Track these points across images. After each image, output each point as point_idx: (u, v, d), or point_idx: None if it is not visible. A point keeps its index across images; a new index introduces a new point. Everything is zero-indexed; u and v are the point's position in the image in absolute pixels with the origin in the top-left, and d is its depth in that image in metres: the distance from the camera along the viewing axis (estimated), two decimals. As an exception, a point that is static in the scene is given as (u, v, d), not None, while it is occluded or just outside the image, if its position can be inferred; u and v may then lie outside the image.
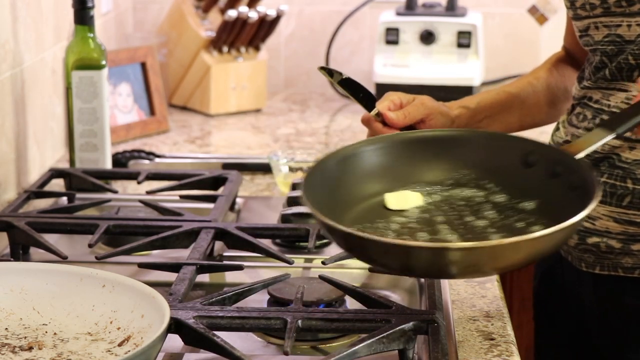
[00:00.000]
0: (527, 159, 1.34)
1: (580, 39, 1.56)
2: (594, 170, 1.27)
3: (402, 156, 1.39)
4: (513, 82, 1.72)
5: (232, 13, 2.42)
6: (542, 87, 1.69)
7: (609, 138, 1.34)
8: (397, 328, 1.19)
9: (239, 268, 1.45)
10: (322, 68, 1.56)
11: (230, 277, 1.52)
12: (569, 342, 1.65)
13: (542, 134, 2.35)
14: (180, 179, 1.81)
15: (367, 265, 1.45)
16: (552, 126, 1.67)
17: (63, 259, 1.46)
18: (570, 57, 1.72)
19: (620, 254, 1.50)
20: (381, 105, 1.52)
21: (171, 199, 1.80)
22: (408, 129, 1.52)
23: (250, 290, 1.33)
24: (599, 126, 1.37)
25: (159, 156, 2.11)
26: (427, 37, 2.55)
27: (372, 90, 2.63)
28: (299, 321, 1.22)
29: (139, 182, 1.81)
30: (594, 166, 1.51)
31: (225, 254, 1.59)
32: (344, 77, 1.53)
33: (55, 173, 1.84)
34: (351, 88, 1.54)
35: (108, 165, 1.93)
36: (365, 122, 1.53)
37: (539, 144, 1.36)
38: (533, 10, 2.68)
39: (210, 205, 1.70)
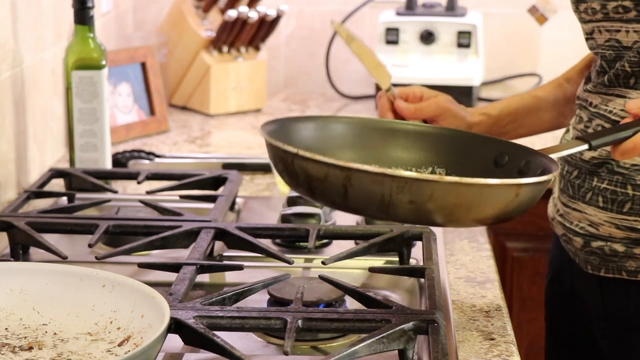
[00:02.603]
0: (498, 159, 1.34)
1: (586, 42, 1.56)
2: (556, 163, 1.27)
3: (370, 138, 1.40)
4: (542, 86, 1.73)
5: (232, 13, 2.42)
6: (571, 89, 1.69)
7: (583, 147, 1.33)
8: (397, 328, 1.19)
9: (239, 268, 1.45)
10: (336, 24, 1.55)
11: (230, 277, 1.52)
12: (577, 344, 1.65)
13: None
14: (180, 179, 1.81)
15: (367, 265, 1.45)
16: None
17: (63, 259, 1.46)
18: None
19: (624, 257, 1.50)
20: (399, 91, 1.53)
21: (171, 199, 1.80)
22: None
23: (250, 290, 1.33)
24: (577, 138, 1.37)
25: (159, 156, 2.11)
26: (427, 37, 2.56)
27: (372, 90, 2.63)
28: (299, 321, 1.22)
29: (139, 182, 1.81)
30: (593, 172, 1.50)
31: (225, 254, 1.59)
32: (361, 44, 1.53)
33: (55, 173, 1.84)
34: (366, 57, 1.54)
35: (108, 165, 1.94)
36: (378, 97, 1.55)
37: (513, 145, 1.36)
38: (533, 10, 2.68)
39: (210, 205, 1.70)
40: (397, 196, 1.15)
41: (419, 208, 1.16)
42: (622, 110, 1.48)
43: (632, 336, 1.54)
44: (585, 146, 1.33)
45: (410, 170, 1.38)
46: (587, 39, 1.55)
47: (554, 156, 1.31)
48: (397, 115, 1.57)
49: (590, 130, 1.52)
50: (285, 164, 1.22)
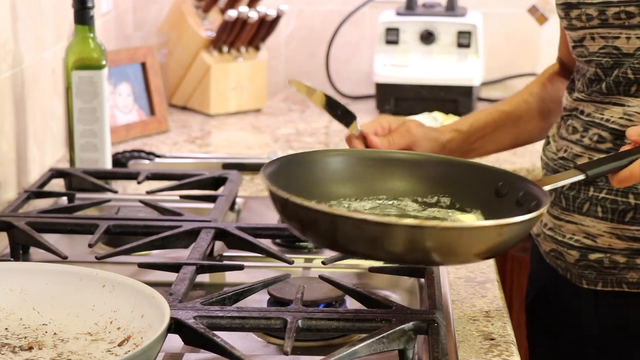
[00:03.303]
0: (499, 190, 1.35)
1: (573, 50, 1.53)
2: (548, 197, 1.28)
3: (371, 169, 1.42)
4: (507, 100, 1.71)
5: (232, 13, 2.42)
6: (536, 103, 1.68)
7: (579, 178, 1.33)
8: (397, 328, 1.19)
9: (239, 268, 1.45)
10: (294, 81, 1.56)
11: (230, 277, 1.52)
12: None
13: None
14: (180, 179, 1.81)
15: (367, 265, 1.45)
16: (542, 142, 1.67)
17: (63, 259, 1.46)
18: (565, 69, 1.69)
19: (625, 269, 1.48)
20: (368, 128, 1.52)
21: (171, 199, 1.80)
22: None
23: (250, 290, 1.33)
24: (574, 167, 1.37)
25: (159, 156, 2.11)
26: (427, 37, 2.55)
27: (372, 90, 2.63)
28: (299, 321, 1.22)
29: (139, 182, 1.81)
30: (589, 182, 1.48)
31: (225, 254, 1.59)
32: (322, 94, 1.54)
33: (55, 173, 1.84)
34: (330, 105, 1.54)
35: (108, 165, 1.93)
36: (348, 141, 1.53)
37: (510, 175, 1.37)
38: (533, 10, 2.68)
39: (210, 205, 1.70)
40: (382, 240, 1.18)
41: (405, 251, 1.19)
42: (620, 118, 1.45)
43: (630, 347, 1.51)
44: (582, 176, 1.33)
45: (417, 200, 1.39)
46: (574, 47, 1.51)
47: (549, 187, 1.30)
48: None
49: (586, 140, 1.49)
50: (281, 206, 1.25)
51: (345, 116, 1.53)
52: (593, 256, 1.50)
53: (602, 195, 1.47)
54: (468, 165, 1.42)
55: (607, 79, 1.47)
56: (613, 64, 1.46)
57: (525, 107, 1.68)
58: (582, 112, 1.51)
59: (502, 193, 1.34)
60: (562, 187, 1.52)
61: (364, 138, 1.52)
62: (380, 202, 1.40)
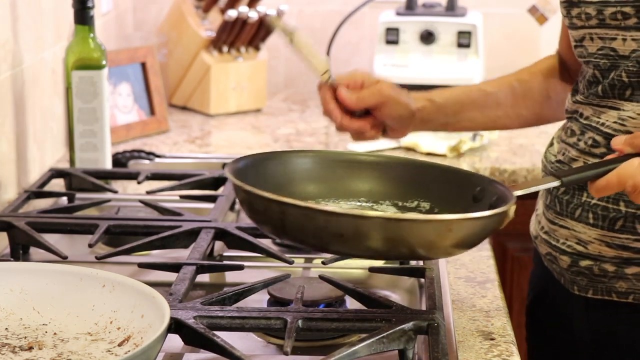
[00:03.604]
0: (476, 195, 1.34)
1: (574, 49, 1.51)
2: (512, 199, 1.27)
3: (348, 171, 1.42)
4: (492, 80, 1.67)
5: (232, 13, 2.42)
6: (521, 91, 1.64)
7: (554, 184, 1.32)
8: (397, 328, 1.19)
9: (239, 268, 1.45)
10: (276, 20, 1.54)
11: (230, 277, 1.52)
12: None
13: (542, 134, 2.35)
14: (180, 179, 1.81)
15: (367, 265, 1.45)
16: (546, 142, 1.65)
17: (63, 259, 1.46)
18: (562, 65, 1.66)
19: (614, 278, 1.45)
20: (340, 80, 1.50)
21: (171, 199, 1.80)
22: (363, 114, 1.53)
23: (250, 290, 1.33)
24: (552, 174, 1.36)
25: (159, 156, 2.11)
26: (427, 37, 2.55)
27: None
28: (299, 321, 1.22)
29: (139, 182, 1.81)
30: (583, 187, 1.45)
31: (225, 254, 1.59)
32: (297, 36, 1.52)
33: (55, 173, 1.84)
34: (306, 48, 1.53)
35: (108, 165, 1.93)
36: (319, 88, 1.51)
37: (485, 179, 1.36)
38: (533, 10, 2.68)
39: (210, 205, 1.70)
40: (327, 230, 1.18)
41: (350, 241, 1.19)
42: (614, 122, 1.42)
43: (621, 356, 1.49)
44: (557, 182, 1.31)
45: (397, 204, 1.40)
46: (575, 47, 1.49)
47: (521, 192, 1.28)
48: (340, 105, 1.53)
49: (582, 144, 1.47)
50: (239, 196, 1.27)
51: (317, 59, 1.52)
52: (583, 263, 1.47)
53: (594, 201, 1.45)
54: (447, 170, 1.41)
55: (604, 81, 1.44)
56: (610, 66, 1.43)
57: (510, 92, 1.64)
58: (581, 115, 1.49)
59: (478, 198, 1.34)
60: (557, 190, 1.50)
61: (334, 90, 1.50)
62: (360, 204, 1.40)
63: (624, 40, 1.41)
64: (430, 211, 1.37)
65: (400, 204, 1.39)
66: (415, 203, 1.39)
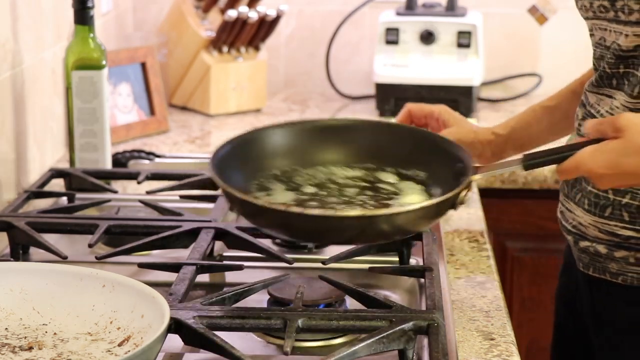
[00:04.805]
0: (455, 171, 1.35)
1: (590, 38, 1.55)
2: (463, 184, 1.30)
3: (315, 140, 1.45)
4: (551, 96, 1.70)
5: (232, 13, 2.42)
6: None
7: (515, 168, 1.34)
8: (397, 328, 1.19)
9: (239, 268, 1.45)
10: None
11: (230, 277, 1.52)
12: (579, 342, 1.64)
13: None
14: (180, 179, 1.80)
15: (367, 265, 1.45)
16: None
17: (63, 259, 1.46)
18: None
19: (607, 259, 1.49)
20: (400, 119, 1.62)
21: (171, 199, 1.80)
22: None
23: (250, 290, 1.33)
24: (521, 157, 1.37)
25: (159, 156, 2.11)
26: (427, 37, 2.55)
27: (372, 90, 2.63)
28: (299, 321, 1.22)
29: (139, 182, 1.81)
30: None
31: (225, 254, 1.59)
32: None
33: (55, 173, 1.84)
34: None
35: (108, 165, 1.93)
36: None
37: (466, 159, 1.36)
38: (533, 10, 2.68)
39: (210, 205, 1.70)
40: (304, 228, 1.25)
41: (328, 236, 1.29)
42: (607, 111, 1.46)
43: (618, 338, 1.52)
44: (519, 166, 1.33)
45: (399, 172, 1.41)
46: (590, 35, 1.54)
47: (484, 174, 1.32)
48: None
49: (583, 129, 1.50)
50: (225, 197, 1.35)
51: None
52: (583, 244, 1.52)
53: (589, 188, 1.49)
54: (443, 140, 1.43)
55: (599, 70, 1.49)
56: (599, 55, 1.48)
57: (572, 98, 1.66)
58: (588, 102, 1.53)
59: (457, 174, 1.35)
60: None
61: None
62: (365, 171, 1.41)
63: (610, 31, 1.45)
64: (423, 184, 1.39)
65: (403, 172, 1.40)
66: (412, 171, 1.40)
